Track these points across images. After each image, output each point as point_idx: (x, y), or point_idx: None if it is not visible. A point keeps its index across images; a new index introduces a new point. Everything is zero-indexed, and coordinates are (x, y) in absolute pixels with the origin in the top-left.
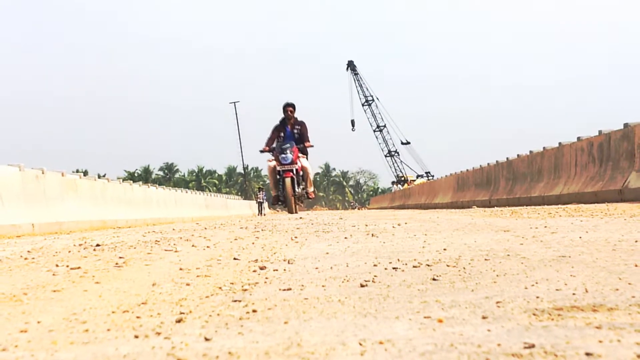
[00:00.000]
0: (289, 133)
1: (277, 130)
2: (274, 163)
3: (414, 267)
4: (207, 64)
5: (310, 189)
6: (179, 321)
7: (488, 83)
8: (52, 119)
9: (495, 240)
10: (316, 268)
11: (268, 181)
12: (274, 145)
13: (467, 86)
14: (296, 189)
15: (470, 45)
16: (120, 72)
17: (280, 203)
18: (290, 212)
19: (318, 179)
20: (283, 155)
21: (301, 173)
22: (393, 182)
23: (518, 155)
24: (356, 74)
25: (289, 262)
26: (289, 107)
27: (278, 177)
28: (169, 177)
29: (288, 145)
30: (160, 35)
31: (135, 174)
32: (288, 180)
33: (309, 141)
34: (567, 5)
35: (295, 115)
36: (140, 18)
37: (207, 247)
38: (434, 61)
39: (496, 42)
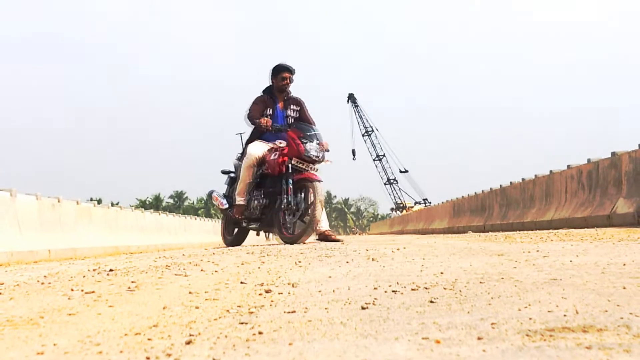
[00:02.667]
0: (280, 113)
1: (262, 102)
2: (276, 154)
3: (412, 290)
4: (213, 97)
5: (325, 226)
6: (188, 343)
7: (482, 114)
8: (68, 150)
9: (490, 264)
10: (319, 291)
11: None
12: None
13: (463, 117)
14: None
15: (465, 77)
16: (132, 106)
17: (256, 225)
18: (290, 241)
19: None
20: (312, 144)
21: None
22: (392, 209)
23: (511, 182)
24: (356, 106)
25: (293, 286)
26: (285, 73)
27: (273, 175)
28: (178, 204)
29: (318, 132)
30: (171, 71)
31: (147, 202)
32: (318, 187)
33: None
34: (559, 39)
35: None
36: (150, 56)
37: (215, 271)
38: (433, 92)
39: (489, 73)
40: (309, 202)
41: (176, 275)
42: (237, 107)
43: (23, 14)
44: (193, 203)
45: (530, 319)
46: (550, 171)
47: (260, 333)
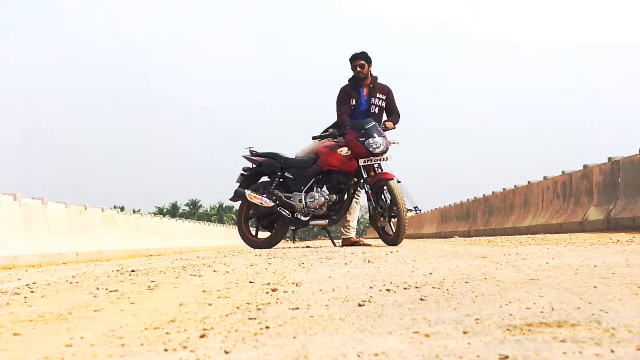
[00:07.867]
0: (365, 103)
1: (346, 94)
2: (345, 150)
3: (404, 288)
4: (224, 119)
5: (352, 233)
6: (202, 336)
7: (466, 130)
8: (94, 163)
9: (474, 266)
10: (320, 290)
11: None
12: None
13: (449, 133)
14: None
15: (450, 96)
16: (151, 122)
17: (324, 222)
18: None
19: None
20: (373, 140)
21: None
22: None
23: (493, 192)
24: None
25: (297, 285)
26: (357, 60)
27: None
28: (193, 211)
29: (373, 123)
30: (186, 95)
31: (164, 209)
32: (394, 184)
33: (392, 120)
34: (540, 59)
35: (373, 73)
36: (168, 80)
37: (227, 272)
38: (421, 112)
39: (473, 93)
40: (389, 202)
41: (191, 275)
42: (245, 128)
43: (57, 39)
44: (207, 210)
45: (510, 315)
46: (529, 182)
47: (267, 327)
